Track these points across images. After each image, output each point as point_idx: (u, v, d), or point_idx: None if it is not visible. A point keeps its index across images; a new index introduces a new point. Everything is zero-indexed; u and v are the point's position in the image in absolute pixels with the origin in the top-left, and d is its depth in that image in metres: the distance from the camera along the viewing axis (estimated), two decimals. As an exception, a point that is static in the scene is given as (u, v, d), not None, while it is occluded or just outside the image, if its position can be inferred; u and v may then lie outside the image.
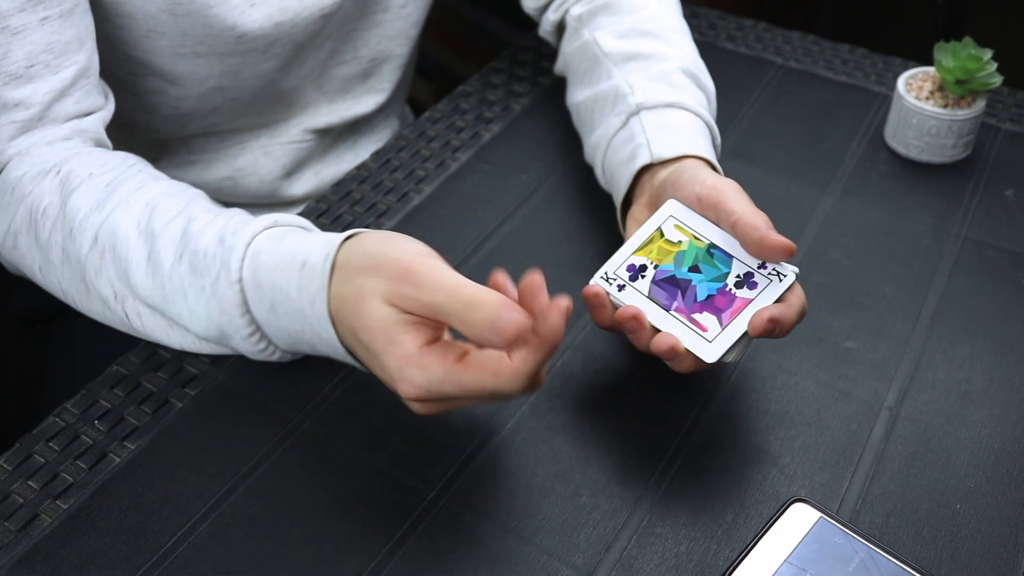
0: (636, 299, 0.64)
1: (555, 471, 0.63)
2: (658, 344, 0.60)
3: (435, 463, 0.63)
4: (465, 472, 0.63)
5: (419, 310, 0.54)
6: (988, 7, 1.66)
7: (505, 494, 0.62)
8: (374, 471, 0.63)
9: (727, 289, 0.63)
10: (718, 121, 0.92)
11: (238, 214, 0.65)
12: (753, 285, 0.62)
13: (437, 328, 0.56)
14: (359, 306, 0.55)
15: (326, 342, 0.59)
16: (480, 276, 0.76)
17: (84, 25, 0.71)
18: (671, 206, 0.67)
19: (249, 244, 0.61)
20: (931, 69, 0.89)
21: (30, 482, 0.62)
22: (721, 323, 0.61)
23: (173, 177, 0.92)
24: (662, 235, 0.66)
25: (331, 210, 0.83)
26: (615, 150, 0.75)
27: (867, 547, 0.57)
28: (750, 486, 0.63)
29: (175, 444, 0.64)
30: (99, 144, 0.73)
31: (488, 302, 0.51)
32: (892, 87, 0.95)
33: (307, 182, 0.96)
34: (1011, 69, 0.91)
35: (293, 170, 0.96)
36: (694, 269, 0.64)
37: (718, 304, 0.62)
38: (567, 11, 0.90)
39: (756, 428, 0.66)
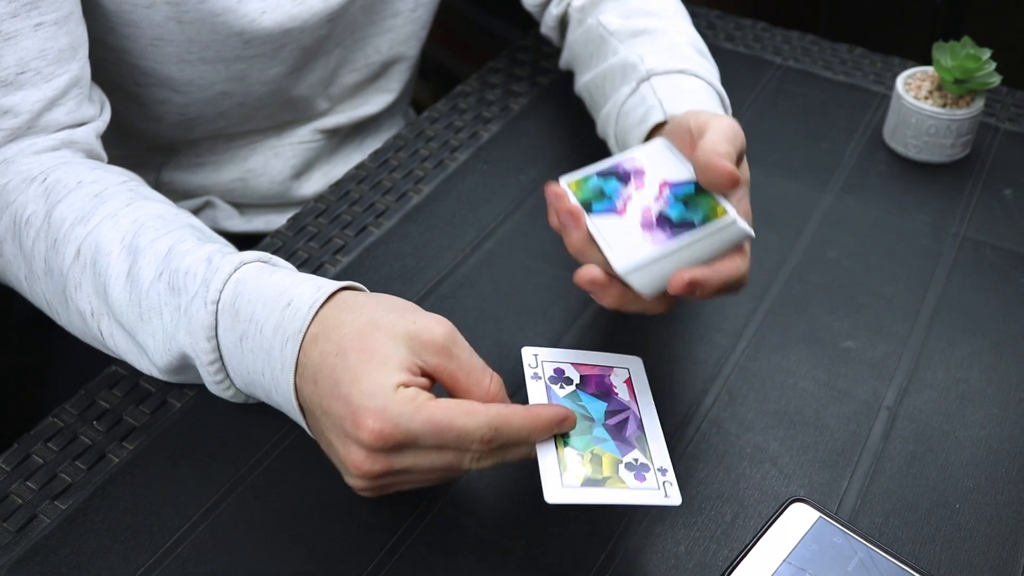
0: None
1: (554, 471, 0.63)
2: (580, 276, 0.58)
3: (434, 463, 0.63)
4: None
5: (433, 357, 0.54)
6: (987, 7, 1.66)
7: (505, 494, 0.62)
8: (373, 471, 0.63)
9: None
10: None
11: (229, 244, 0.64)
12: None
13: (428, 385, 0.55)
14: (368, 331, 0.54)
15: (282, 390, 0.57)
16: (479, 276, 0.77)
17: (79, 33, 0.70)
18: (657, 141, 0.65)
19: (238, 268, 0.59)
20: (930, 69, 0.89)
21: (29, 483, 0.62)
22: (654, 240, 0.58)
23: (182, 181, 0.92)
24: None
25: (330, 210, 0.83)
26: (626, 115, 0.75)
27: (866, 547, 0.57)
28: (749, 486, 0.63)
29: (174, 444, 0.64)
30: (91, 155, 0.71)
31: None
32: (891, 87, 0.95)
33: (316, 182, 0.97)
34: (1010, 69, 0.91)
35: (303, 170, 0.96)
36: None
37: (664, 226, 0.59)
38: (569, 4, 0.90)
39: (756, 428, 0.66)
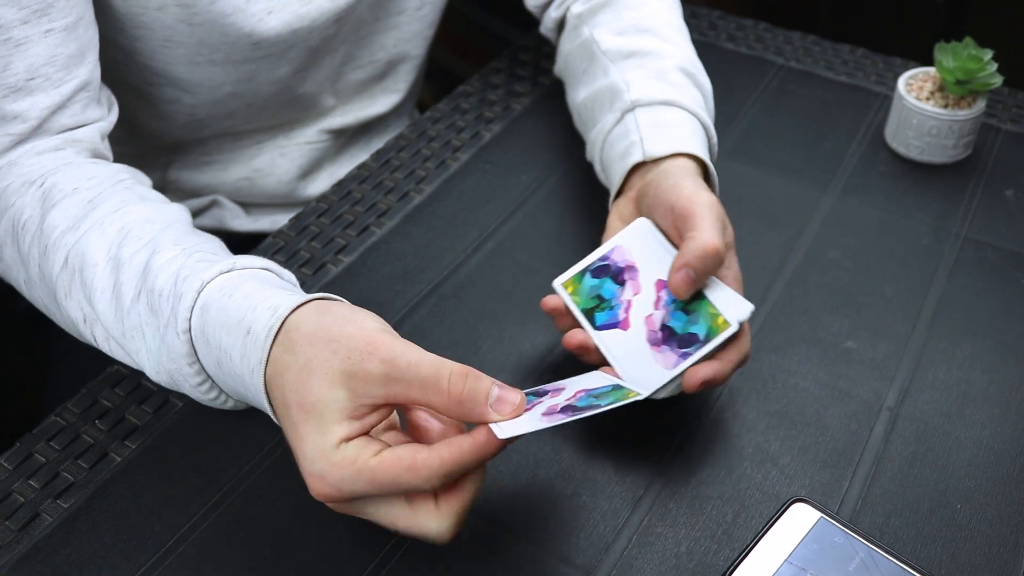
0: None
1: (555, 471, 0.63)
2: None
3: (435, 463, 0.63)
4: (465, 472, 0.63)
5: (377, 390, 0.51)
6: (988, 7, 1.66)
7: (506, 494, 0.62)
8: (374, 471, 0.63)
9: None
10: (719, 121, 0.92)
11: (200, 250, 0.61)
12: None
13: (382, 416, 0.52)
14: (304, 378, 0.51)
15: (267, 411, 0.56)
16: (480, 276, 0.77)
17: (88, 37, 0.70)
18: (640, 224, 0.67)
19: (200, 292, 0.57)
20: (931, 69, 0.89)
21: (31, 481, 0.62)
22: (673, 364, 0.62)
23: (189, 180, 0.92)
24: None
25: (332, 210, 0.83)
26: (610, 145, 0.76)
27: (867, 547, 0.57)
28: (750, 486, 0.63)
29: (176, 443, 0.64)
30: (95, 154, 0.71)
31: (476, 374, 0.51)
32: (892, 87, 0.95)
33: (322, 182, 0.97)
34: (1011, 69, 0.91)
35: (309, 171, 0.96)
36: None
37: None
38: (568, 8, 0.90)
39: (756, 428, 0.66)
